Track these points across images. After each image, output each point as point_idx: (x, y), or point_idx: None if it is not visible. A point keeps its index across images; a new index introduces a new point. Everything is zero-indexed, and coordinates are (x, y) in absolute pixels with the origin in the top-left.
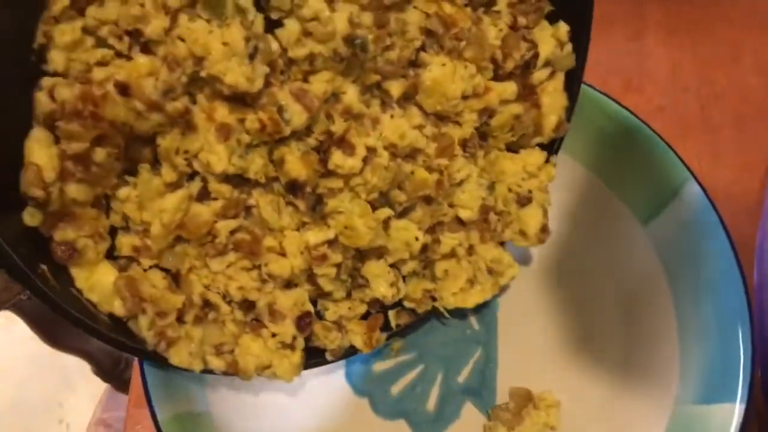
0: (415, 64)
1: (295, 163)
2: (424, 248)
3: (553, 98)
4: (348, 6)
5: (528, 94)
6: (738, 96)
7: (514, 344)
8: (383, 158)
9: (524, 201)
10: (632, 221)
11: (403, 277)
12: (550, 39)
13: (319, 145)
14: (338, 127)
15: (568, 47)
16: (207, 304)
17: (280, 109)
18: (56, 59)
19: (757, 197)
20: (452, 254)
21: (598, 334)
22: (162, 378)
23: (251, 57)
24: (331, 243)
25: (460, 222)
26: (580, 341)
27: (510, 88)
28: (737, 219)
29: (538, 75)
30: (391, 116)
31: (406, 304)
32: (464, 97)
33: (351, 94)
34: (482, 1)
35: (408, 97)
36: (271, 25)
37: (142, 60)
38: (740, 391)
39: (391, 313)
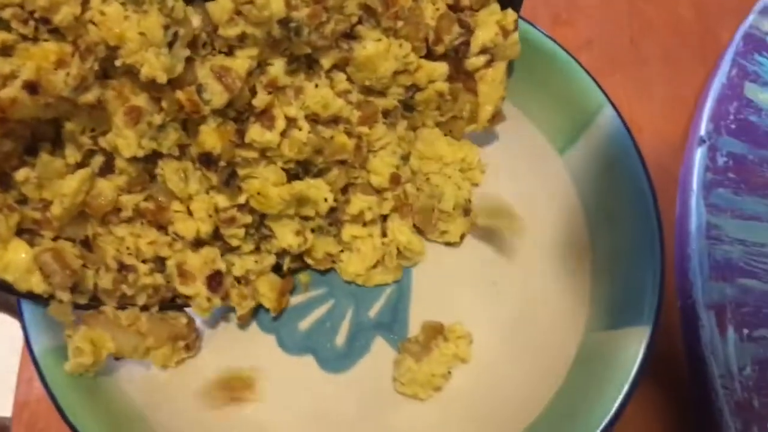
0: (349, 36)
1: (210, 134)
2: (333, 209)
3: (490, 88)
4: None
5: (464, 78)
6: (669, 29)
7: (429, 279)
8: (303, 130)
9: (467, 211)
10: (550, 152)
11: (312, 230)
12: (493, 26)
13: (237, 116)
14: (260, 101)
15: (514, 36)
16: (123, 267)
17: (200, 89)
18: None
19: (684, 131)
20: (361, 218)
21: (515, 267)
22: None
23: (170, 45)
24: (241, 207)
25: (374, 189)
26: (496, 274)
27: (440, 68)
28: (664, 152)
29: (474, 61)
30: (316, 85)
31: (306, 259)
32: (394, 73)
33: (278, 67)
34: None
35: (337, 67)
36: None
37: (51, 47)
38: (646, 314)
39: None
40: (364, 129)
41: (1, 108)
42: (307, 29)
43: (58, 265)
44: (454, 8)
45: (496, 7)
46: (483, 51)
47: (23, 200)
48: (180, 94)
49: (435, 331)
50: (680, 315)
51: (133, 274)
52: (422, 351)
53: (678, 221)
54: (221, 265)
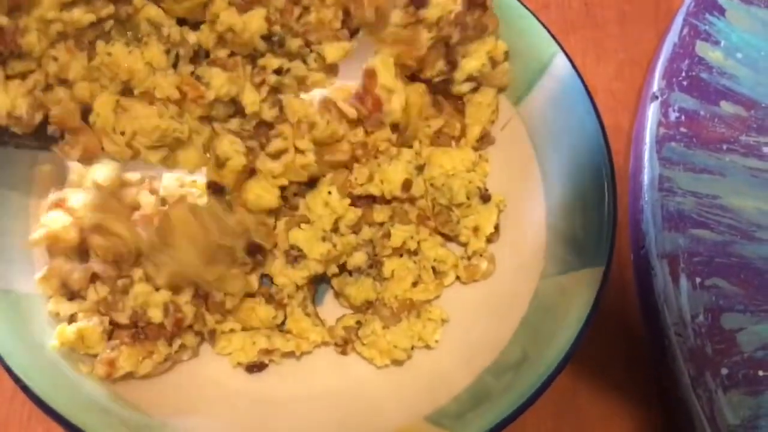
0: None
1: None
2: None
3: (477, 110)
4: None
5: (452, 99)
6: None
7: None
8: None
9: (486, 198)
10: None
11: (349, 272)
12: (483, 56)
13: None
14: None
15: (504, 66)
16: None
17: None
18: None
19: (637, 91)
20: (403, 249)
21: None
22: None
23: (175, 66)
24: None
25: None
26: None
27: (420, 88)
28: (618, 111)
29: (460, 88)
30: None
31: (341, 302)
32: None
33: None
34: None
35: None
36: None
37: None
38: (598, 256)
39: None
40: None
41: None
42: (290, 39)
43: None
44: (445, 41)
45: (489, 38)
46: (469, 79)
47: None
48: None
49: (411, 305)
50: (633, 266)
51: None
52: (391, 318)
53: (632, 175)
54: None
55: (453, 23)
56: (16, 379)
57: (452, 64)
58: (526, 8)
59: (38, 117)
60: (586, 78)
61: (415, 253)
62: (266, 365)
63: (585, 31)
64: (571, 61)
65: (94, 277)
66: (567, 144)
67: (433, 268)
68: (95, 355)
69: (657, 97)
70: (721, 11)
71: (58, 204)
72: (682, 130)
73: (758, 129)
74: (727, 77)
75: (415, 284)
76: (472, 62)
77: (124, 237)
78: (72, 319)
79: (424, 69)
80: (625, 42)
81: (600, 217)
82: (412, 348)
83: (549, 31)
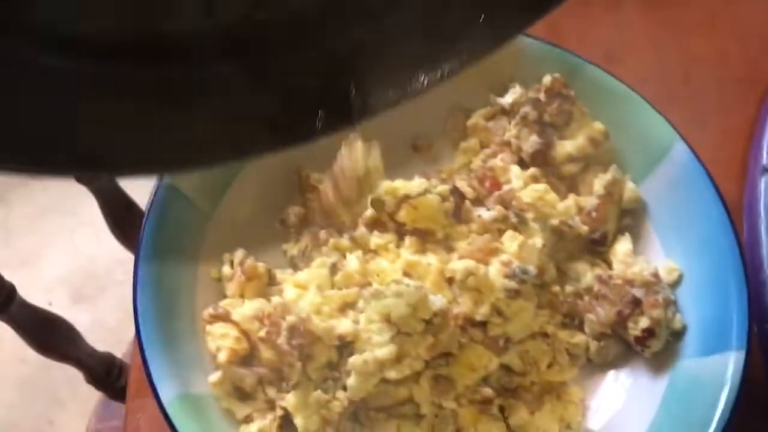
0: None
1: None
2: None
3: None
4: None
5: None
6: (718, 63)
7: None
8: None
9: None
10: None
11: None
12: (582, 138)
13: None
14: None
15: (606, 145)
16: None
17: None
18: None
19: (740, 160)
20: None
21: None
22: (165, 358)
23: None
24: None
25: None
26: None
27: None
28: (722, 182)
29: (568, 167)
30: None
31: None
32: None
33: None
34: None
35: None
36: None
37: None
38: (735, 340)
39: None
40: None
41: None
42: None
43: None
44: (540, 122)
45: (585, 120)
46: (573, 160)
47: None
48: None
49: (550, 387)
50: (758, 340)
51: None
52: (534, 403)
53: (748, 248)
54: None
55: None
56: None
57: (545, 139)
58: (632, 89)
59: None
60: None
61: (548, 335)
62: None
63: (684, 101)
64: (688, 144)
65: (261, 379)
66: (693, 227)
67: (567, 351)
68: None
69: (767, 170)
70: None
71: (222, 317)
72: None
73: None
74: None
75: (549, 366)
76: (568, 144)
77: (286, 352)
78: (248, 418)
79: (519, 148)
80: (725, 111)
81: (736, 298)
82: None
83: (667, 119)
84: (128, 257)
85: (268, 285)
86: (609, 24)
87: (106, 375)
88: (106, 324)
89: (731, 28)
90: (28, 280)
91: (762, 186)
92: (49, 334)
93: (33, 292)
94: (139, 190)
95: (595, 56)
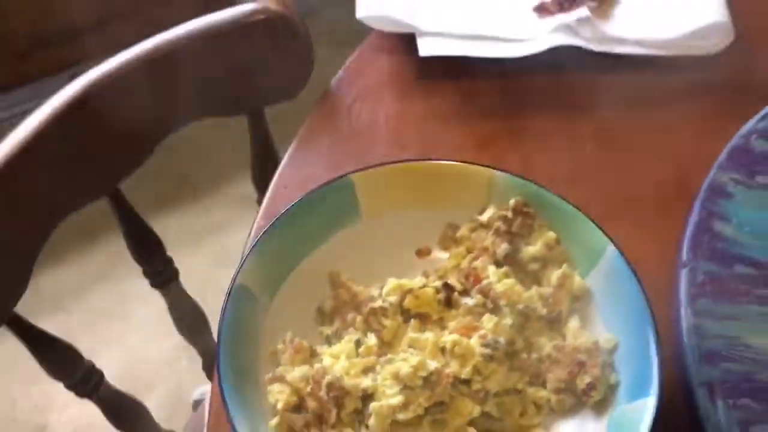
0: None
1: None
2: None
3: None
4: None
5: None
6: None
7: None
8: None
9: None
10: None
11: None
12: (538, 243)
13: None
14: None
15: (558, 249)
16: None
17: None
18: None
19: (669, 262)
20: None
21: None
22: (240, 410)
23: None
24: None
25: None
26: None
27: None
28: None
29: (531, 266)
30: None
31: None
32: None
33: None
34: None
35: None
36: None
37: None
38: (651, 389)
39: None
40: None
41: None
42: None
43: None
44: (509, 232)
45: (543, 231)
46: (535, 260)
47: None
48: None
49: (521, 429)
50: (682, 392)
51: None
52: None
53: (674, 324)
54: None
55: (502, 221)
56: None
57: (515, 248)
58: (576, 207)
59: None
60: (629, 252)
61: (519, 391)
62: None
63: (626, 217)
64: (619, 249)
65: (307, 422)
66: (623, 309)
67: (534, 402)
68: None
69: (686, 265)
70: (729, 196)
71: (278, 379)
72: (707, 288)
73: (765, 283)
74: (738, 246)
75: (521, 414)
76: (531, 248)
77: (325, 402)
78: None
79: (494, 253)
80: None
81: (653, 360)
82: None
83: (601, 228)
84: (175, 357)
85: (310, 357)
86: (569, 159)
87: None
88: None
89: (666, 157)
90: None
91: (682, 277)
92: (133, 416)
93: None
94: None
95: (557, 182)
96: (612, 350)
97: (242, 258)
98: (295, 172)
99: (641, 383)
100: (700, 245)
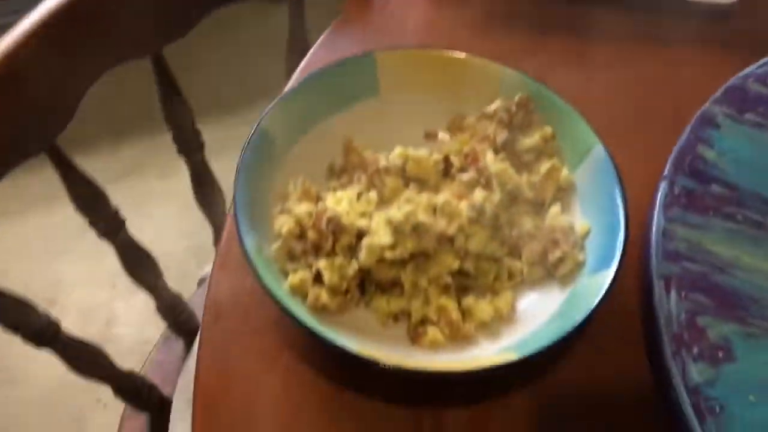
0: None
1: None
2: None
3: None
4: None
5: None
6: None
7: None
8: None
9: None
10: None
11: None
12: (536, 136)
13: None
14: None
15: (553, 143)
16: None
17: None
18: None
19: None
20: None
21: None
22: (249, 227)
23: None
24: None
25: None
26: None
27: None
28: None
29: (525, 157)
30: None
31: None
32: None
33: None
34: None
35: None
36: None
37: None
38: (612, 264)
39: None
40: None
41: None
42: None
43: None
44: (511, 123)
45: (540, 125)
46: (530, 151)
47: None
48: None
49: (492, 289)
50: (640, 281)
51: None
52: (480, 295)
53: (646, 225)
54: None
55: (505, 113)
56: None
57: (513, 138)
58: (573, 107)
59: None
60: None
61: (497, 260)
62: None
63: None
64: (606, 149)
65: (305, 249)
66: (601, 200)
67: (509, 271)
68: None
69: (666, 178)
70: (717, 126)
71: (286, 211)
72: (682, 200)
73: (737, 204)
74: (717, 169)
75: (495, 278)
76: (527, 140)
77: (323, 233)
78: (294, 272)
79: (494, 140)
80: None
81: (618, 243)
82: None
83: (591, 128)
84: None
85: (316, 200)
86: (579, 80)
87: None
88: None
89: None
90: None
91: (660, 187)
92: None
93: None
94: None
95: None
96: (585, 235)
97: (266, 110)
98: (324, 56)
99: (604, 260)
100: (681, 163)
